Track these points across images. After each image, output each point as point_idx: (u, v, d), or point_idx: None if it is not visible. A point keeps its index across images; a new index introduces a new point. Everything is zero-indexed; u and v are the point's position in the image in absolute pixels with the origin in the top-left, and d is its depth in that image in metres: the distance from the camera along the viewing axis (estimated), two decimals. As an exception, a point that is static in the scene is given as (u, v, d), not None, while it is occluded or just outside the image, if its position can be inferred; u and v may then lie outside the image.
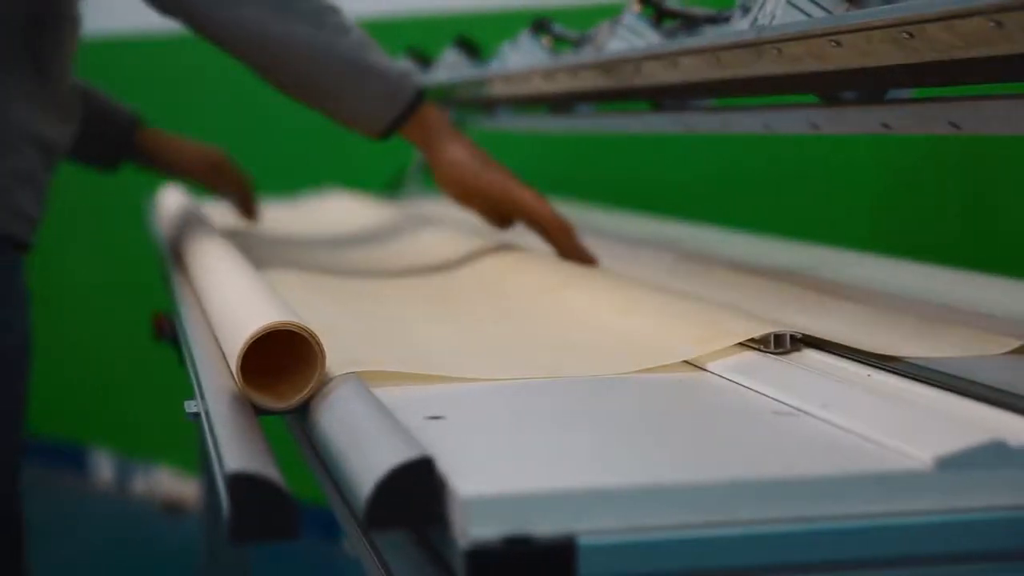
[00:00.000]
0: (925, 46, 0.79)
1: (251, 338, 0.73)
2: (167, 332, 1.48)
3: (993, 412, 0.66)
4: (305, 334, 0.73)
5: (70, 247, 3.37)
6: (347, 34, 1.20)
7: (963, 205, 1.90)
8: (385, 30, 1.44)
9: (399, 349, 0.88)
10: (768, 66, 0.98)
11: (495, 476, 0.59)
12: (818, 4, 0.92)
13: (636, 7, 1.24)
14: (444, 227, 1.53)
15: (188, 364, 0.89)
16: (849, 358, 0.79)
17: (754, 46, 0.97)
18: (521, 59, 1.61)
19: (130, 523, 3.15)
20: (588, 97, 1.55)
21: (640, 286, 1.04)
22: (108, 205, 2.96)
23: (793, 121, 1.10)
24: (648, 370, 0.81)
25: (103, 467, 3.42)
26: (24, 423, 1.30)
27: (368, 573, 0.72)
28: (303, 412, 0.74)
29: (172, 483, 3.23)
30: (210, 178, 1.65)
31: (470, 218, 1.30)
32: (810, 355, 0.81)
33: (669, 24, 1.25)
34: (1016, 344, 0.83)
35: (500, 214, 1.26)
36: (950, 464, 0.57)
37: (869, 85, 0.97)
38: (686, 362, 0.83)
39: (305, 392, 0.73)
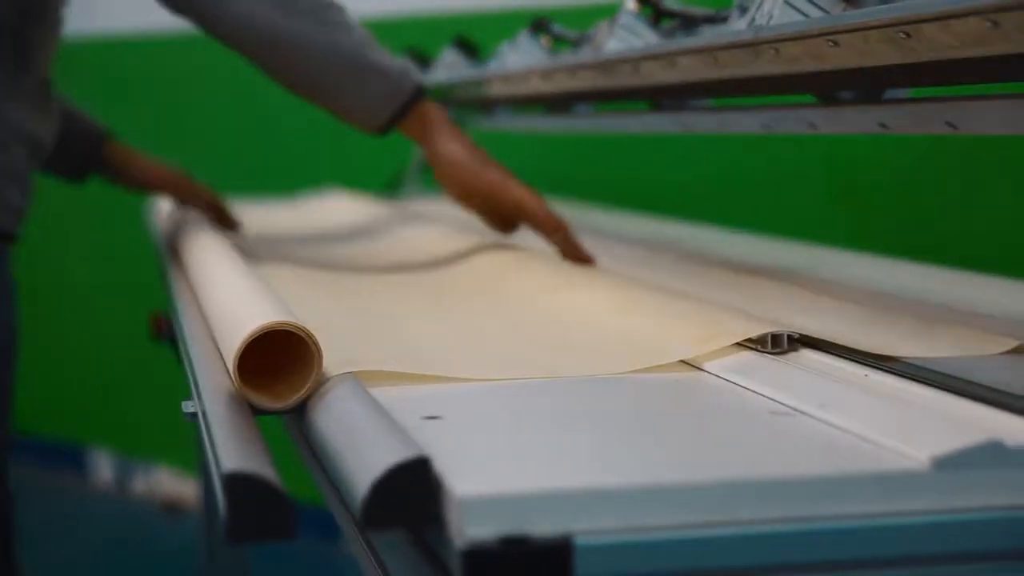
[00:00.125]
0: (922, 46, 0.79)
1: (248, 338, 0.72)
2: (165, 332, 1.48)
3: (990, 412, 0.66)
4: (302, 334, 0.73)
5: (69, 247, 3.37)
6: (349, 31, 1.21)
7: (960, 205, 1.90)
8: (385, 30, 1.44)
9: (396, 348, 0.87)
10: (766, 66, 0.98)
11: (492, 476, 0.59)
12: (815, 4, 0.93)
13: (633, 6, 1.24)
14: (441, 224, 1.53)
15: (185, 364, 0.89)
16: (846, 358, 0.79)
17: (752, 46, 0.97)
18: (520, 59, 1.61)
19: (130, 523, 3.15)
20: (586, 97, 1.55)
21: (638, 286, 1.04)
22: (107, 205, 2.96)
23: (791, 121, 1.10)
24: (645, 370, 0.81)
25: (103, 467, 3.42)
26: (10, 416, 1.29)
27: (365, 573, 0.72)
28: (300, 412, 0.73)
29: (171, 483, 3.23)
30: (178, 193, 1.62)
31: (470, 218, 1.30)
32: (807, 355, 0.81)
33: (667, 24, 1.25)
34: (1013, 344, 0.83)
35: (501, 215, 1.26)
36: (947, 464, 0.57)
37: (866, 85, 0.97)
38: (683, 362, 0.83)
39: (302, 392, 0.73)
